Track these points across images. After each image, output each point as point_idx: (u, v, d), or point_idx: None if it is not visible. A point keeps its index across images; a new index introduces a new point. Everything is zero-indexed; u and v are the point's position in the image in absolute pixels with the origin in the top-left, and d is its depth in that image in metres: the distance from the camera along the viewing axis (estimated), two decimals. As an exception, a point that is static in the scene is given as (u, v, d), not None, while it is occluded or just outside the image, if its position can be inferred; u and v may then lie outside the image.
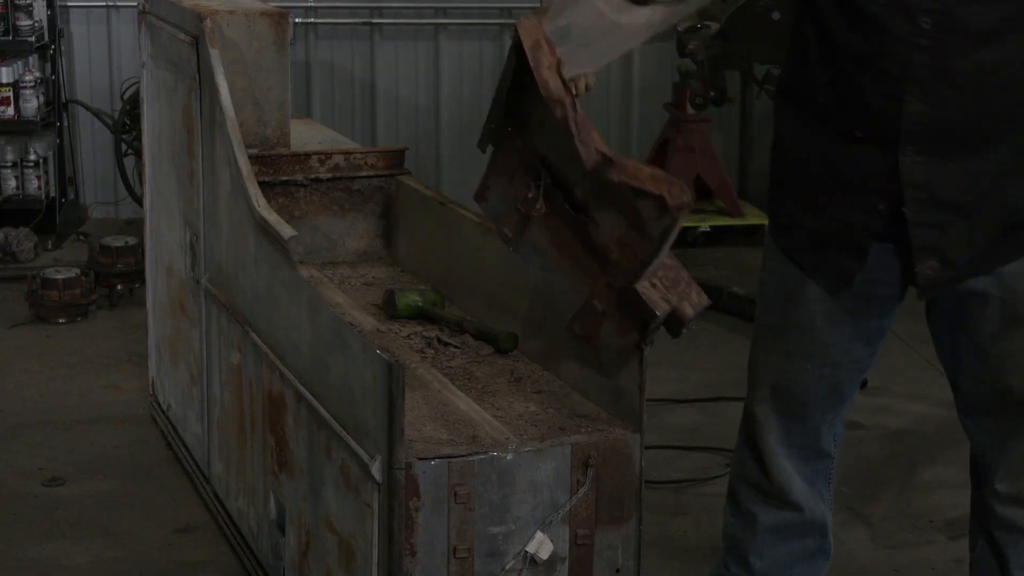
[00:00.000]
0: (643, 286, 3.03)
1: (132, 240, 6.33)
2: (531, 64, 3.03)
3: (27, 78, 7.07)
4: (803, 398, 3.27)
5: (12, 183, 7.15)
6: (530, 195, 3.19)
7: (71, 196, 7.59)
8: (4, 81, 7.01)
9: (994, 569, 3.31)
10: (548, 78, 3.02)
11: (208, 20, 4.10)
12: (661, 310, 3.04)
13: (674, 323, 3.09)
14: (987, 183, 3.00)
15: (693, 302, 3.09)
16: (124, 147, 7.18)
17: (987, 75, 2.93)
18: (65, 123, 7.43)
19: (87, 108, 7.51)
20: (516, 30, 3.12)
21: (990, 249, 3.05)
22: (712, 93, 6.44)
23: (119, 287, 6.28)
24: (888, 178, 3.00)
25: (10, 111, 7.03)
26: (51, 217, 7.22)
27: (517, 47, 3.09)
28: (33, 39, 7.05)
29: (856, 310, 3.18)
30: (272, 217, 3.57)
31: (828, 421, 3.32)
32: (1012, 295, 3.09)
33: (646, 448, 3.20)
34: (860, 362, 3.27)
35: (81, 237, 7.29)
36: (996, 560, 3.30)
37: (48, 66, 7.35)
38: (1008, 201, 3.02)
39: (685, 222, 7.43)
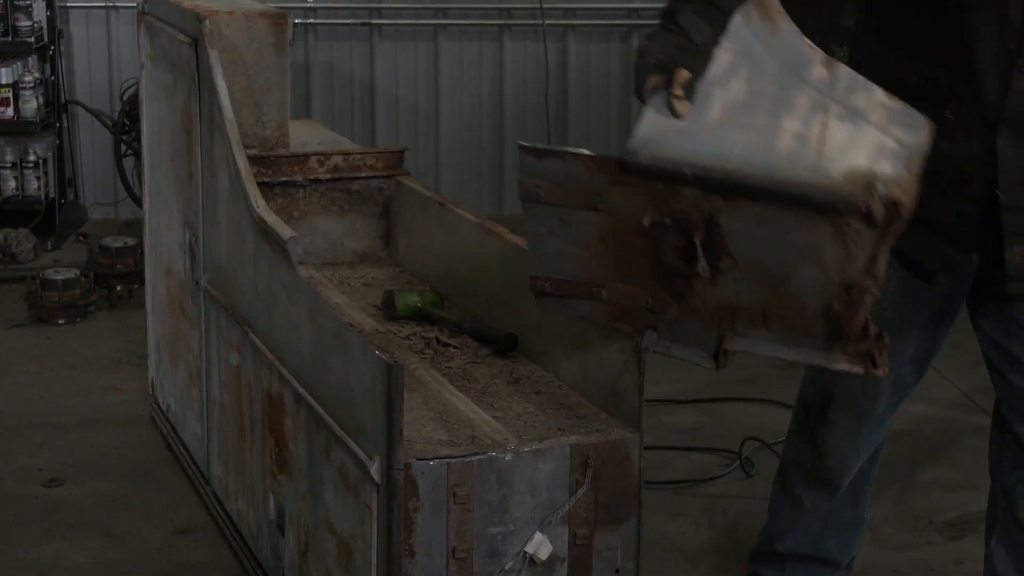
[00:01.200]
0: None
1: (131, 241, 6.33)
2: None
3: (26, 79, 7.06)
4: (874, 392, 3.34)
5: (11, 184, 7.15)
6: (641, 218, 2.91)
7: (70, 197, 7.58)
8: (3, 82, 7.00)
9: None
10: None
11: (207, 21, 4.10)
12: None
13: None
14: None
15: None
16: (124, 148, 7.18)
17: None
18: (65, 124, 7.43)
19: (87, 109, 7.51)
20: None
21: None
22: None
23: (118, 288, 6.28)
24: (982, 162, 2.98)
25: (9, 112, 7.02)
26: (50, 218, 7.22)
27: None
28: (32, 40, 7.05)
29: (925, 296, 3.21)
30: (271, 218, 3.57)
31: (891, 411, 3.42)
32: None
33: (645, 449, 3.19)
34: (924, 348, 3.32)
35: (80, 238, 7.29)
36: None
37: (47, 67, 7.35)
38: None
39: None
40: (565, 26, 8.00)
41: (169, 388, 4.77)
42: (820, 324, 2.80)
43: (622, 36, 8.02)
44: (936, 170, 2.97)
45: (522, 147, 2.97)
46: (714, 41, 2.80)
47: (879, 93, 2.73)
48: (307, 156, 4.34)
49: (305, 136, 4.68)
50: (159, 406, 4.91)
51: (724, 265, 2.84)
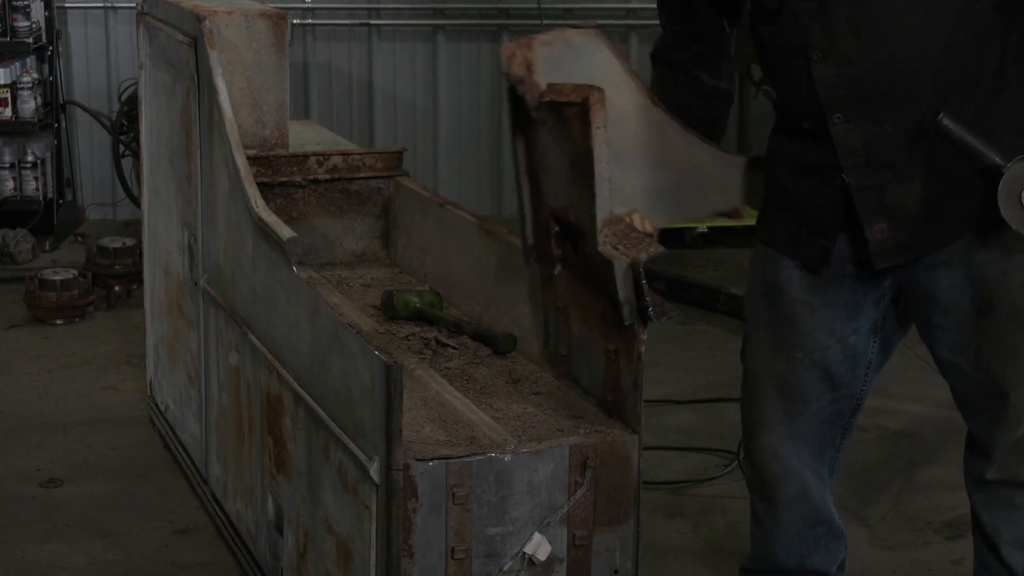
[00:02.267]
0: (602, 245, 3.10)
1: (130, 241, 6.33)
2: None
3: (25, 79, 7.06)
4: (798, 389, 3.30)
5: (10, 184, 7.15)
6: None
7: (69, 197, 7.59)
8: (2, 82, 7.01)
9: (991, 552, 3.35)
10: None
11: (207, 21, 4.10)
12: (619, 261, 3.08)
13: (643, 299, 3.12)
14: (914, 140, 3.03)
15: (649, 251, 3.12)
16: (122, 148, 7.19)
17: (880, 22, 2.99)
18: (63, 124, 7.43)
19: (85, 109, 7.52)
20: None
21: (934, 214, 3.08)
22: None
23: (117, 288, 6.28)
24: (833, 152, 3.08)
25: (8, 112, 7.02)
26: (49, 218, 7.22)
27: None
28: (31, 40, 7.05)
29: (833, 291, 3.23)
30: (270, 218, 3.57)
31: (829, 411, 3.34)
32: (982, 283, 3.12)
33: (644, 449, 3.20)
34: (848, 344, 3.27)
35: (79, 238, 7.29)
36: (991, 541, 3.34)
37: (46, 67, 7.35)
38: (936, 160, 3.05)
39: (683, 223, 7.42)
40: (563, 26, 7.99)
41: (168, 388, 4.77)
42: None
43: (620, 36, 8.02)
44: (808, 169, 3.15)
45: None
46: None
47: None
48: (306, 156, 4.34)
49: (304, 136, 4.68)
50: (157, 406, 4.91)
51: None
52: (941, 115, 2.98)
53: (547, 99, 3.13)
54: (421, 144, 7.95)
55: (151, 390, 5.01)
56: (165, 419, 4.81)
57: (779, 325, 3.28)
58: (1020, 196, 2.93)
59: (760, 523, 3.47)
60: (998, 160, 2.96)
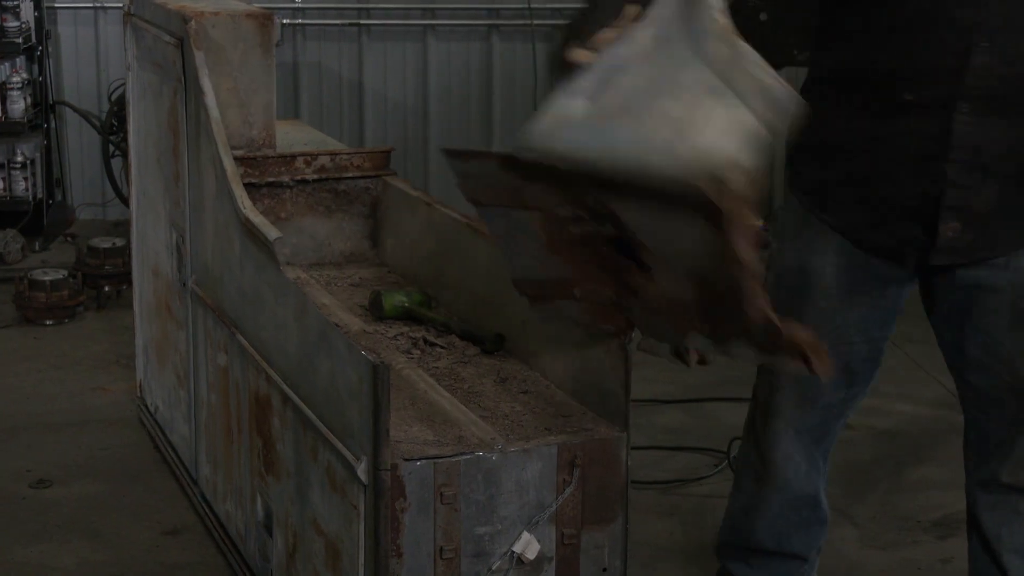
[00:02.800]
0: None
1: (120, 242, 6.32)
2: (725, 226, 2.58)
3: (14, 79, 7.05)
4: (818, 381, 3.28)
5: (-1, 184, 7.15)
6: (562, 214, 2.85)
7: (59, 198, 7.58)
8: (-9, 83, 7.01)
9: (989, 556, 3.35)
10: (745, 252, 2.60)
11: (193, 22, 4.09)
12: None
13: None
14: (1016, 147, 3.01)
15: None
16: (112, 148, 7.18)
17: None
18: (53, 125, 7.42)
19: (75, 110, 7.51)
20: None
21: (1006, 220, 3.06)
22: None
23: (107, 289, 6.28)
24: (942, 142, 3.00)
25: (-3, 112, 7.03)
26: (38, 219, 7.21)
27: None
28: (20, 40, 7.04)
29: (872, 289, 3.21)
30: (258, 219, 3.57)
31: (839, 403, 3.37)
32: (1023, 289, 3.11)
33: (633, 448, 3.19)
34: (873, 342, 3.29)
35: (68, 239, 7.29)
36: (991, 547, 3.34)
37: (35, 67, 7.34)
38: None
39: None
40: (553, 26, 8.00)
41: (157, 389, 4.76)
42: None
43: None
44: (901, 153, 3.05)
45: (446, 151, 2.90)
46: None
47: (765, 73, 2.66)
48: (294, 157, 4.34)
49: (292, 137, 4.68)
50: (147, 407, 4.91)
51: (647, 258, 2.78)
52: None
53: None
54: (411, 144, 7.95)
55: (141, 391, 5.00)
56: (155, 420, 4.81)
57: (809, 314, 3.22)
58: None
59: (744, 500, 3.50)
60: None
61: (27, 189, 7.16)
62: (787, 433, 3.38)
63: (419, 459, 3.00)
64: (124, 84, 4.98)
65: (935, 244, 3.07)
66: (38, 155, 7.29)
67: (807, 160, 3.23)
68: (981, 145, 2.99)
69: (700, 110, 2.60)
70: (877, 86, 3.05)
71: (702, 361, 2.99)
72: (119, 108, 6.87)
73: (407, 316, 3.93)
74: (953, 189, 3.02)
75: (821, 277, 3.23)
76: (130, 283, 5.26)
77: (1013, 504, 3.30)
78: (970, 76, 2.94)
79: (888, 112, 3.05)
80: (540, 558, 3.10)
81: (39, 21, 7.29)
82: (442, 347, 3.74)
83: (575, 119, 2.69)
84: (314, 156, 4.37)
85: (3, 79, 7.07)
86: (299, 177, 4.34)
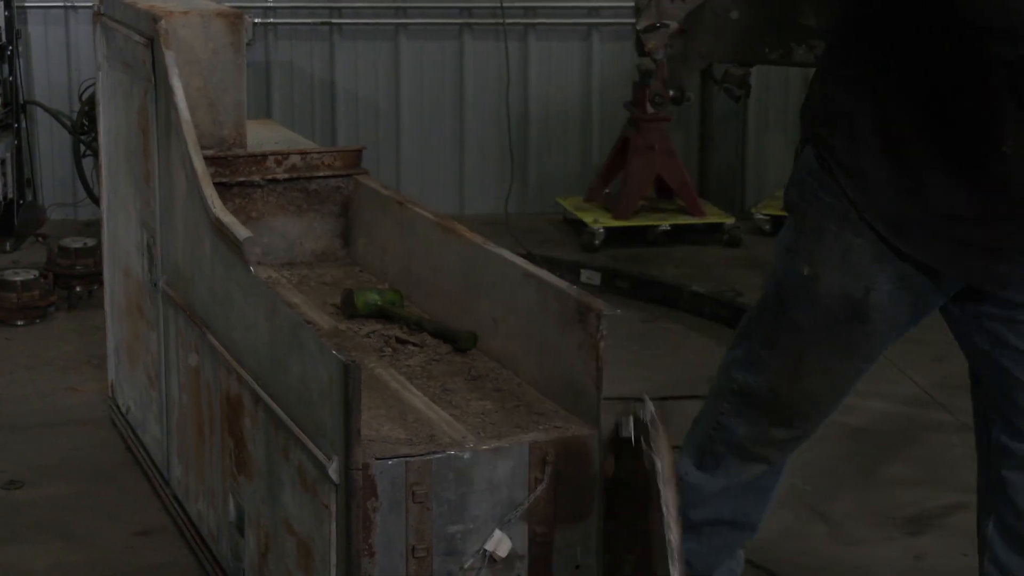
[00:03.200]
0: None
1: (91, 242, 6.30)
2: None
3: (-16, 79, 7.03)
4: (845, 388, 3.40)
5: (-30, 185, 7.11)
6: None
7: (29, 198, 7.54)
8: (-39, 83, 6.97)
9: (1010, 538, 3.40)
10: None
11: (163, 21, 4.08)
12: None
13: None
14: None
15: None
16: (83, 148, 7.15)
17: None
18: (23, 124, 7.39)
19: (45, 109, 7.48)
20: None
21: None
22: (671, 92, 6.45)
23: (78, 289, 6.25)
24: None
25: (-33, 113, 6.99)
26: (9, 219, 7.17)
27: None
28: (-10, 40, 7.01)
29: (916, 307, 3.25)
30: (228, 218, 3.56)
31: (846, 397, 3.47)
32: None
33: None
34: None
35: (39, 239, 7.25)
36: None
37: (6, 67, 7.30)
38: None
39: (645, 221, 7.43)
40: (526, 25, 8.00)
41: (128, 390, 4.75)
42: None
43: (582, 35, 8.02)
44: (998, 197, 3.07)
45: None
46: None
47: None
48: (264, 156, 4.33)
49: (263, 136, 4.67)
50: (119, 408, 4.90)
51: None
52: None
53: None
54: (383, 143, 7.94)
55: (112, 391, 4.99)
56: (126, 420, 4.79)
57: (855, 335, 3.27)
58: None
59: (724, 482, 3.51)
60: None
61: (-2, 189, 7.12)
62: (796, 443, 3.45)
63: (391, 458, 3.00)
64: (95, 84, 4.96)
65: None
66: (9, 155, 7.25)
67: (881, 188, 3.18)
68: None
69: None
70: (972, 136, 3.04)
71: None
72: (90, 108, 6.85)
73: (379, 315, 3.93)
74: None
75: (876, 303, 3.23)
76: (101, 283, 5.24)
77: None
78: None
79: (989, 162, 3.05)
80: (512, 556, 3.10)
81: (9, 20, 7.25)
82: (414, 345, 3.74)
83: None
84: (285, 155, 4.36)
85: (-27, 79, 7.04)
86: (270, 176, 4.34)
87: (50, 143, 7.70)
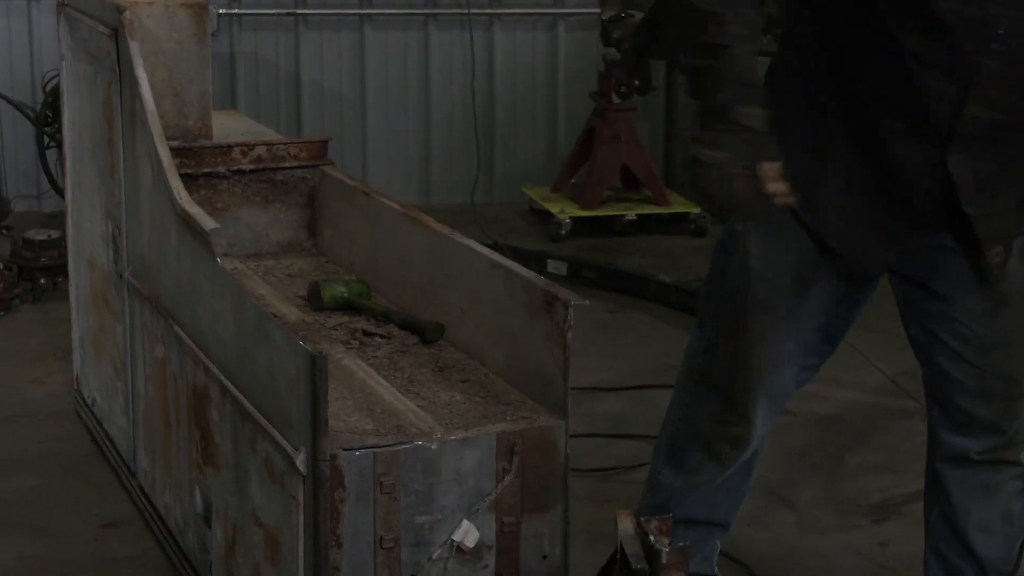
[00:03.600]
0: None
1: (55, 234, 6.26)
2: None
3: (-53, 71, 6.99)
4: (779, 354, 3.35)
5: (-67, 177, 7.08)
6: None
7: (-7, 190, 7.51)
8: (-77, 75, 6.93)
9: (952, 531, 3.40)
10: None
11: (127, 12, 4.07)
12: None
13: None
14: (1010, 166, 3.06)
15: None
16: (46, 140, 7.11)
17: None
18: (-14, 116, 7.36)
19: (8, 101, 7.42)
20: None
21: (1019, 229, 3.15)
22: (637, 82, 6.46)
23: (42, 281, 6.22)
24: (936, 177, 3.02)
25: (-70, 105, 6.95)
26: (-28, 212, 7.15)
27: None
28: (-48, 32, 6.97)
29: (844, 279, 3.26)
30: (194, 209, 3.55)
31: (794, 378, 3.42)
32: (1007, 278, 3.17)
33: (572, 436, 3.20)
34: (835, 318, 3.35)
35: (3, 231, 7.21)
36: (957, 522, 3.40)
37: (-32, 59, 7.28)
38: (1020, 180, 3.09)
39: (611, 211, 7.44)
40: (491, 15, 8.00)
41: (94, 382, 4.73)
42: None
43: (547, 25, 8.03)
44: (890, 177, 3.07)
45: None
46: (767, 115, 2.84)
47: None
48: (230, 147, 4.32)
49: (229, 127, 4.66)
50: (84, 400, 4.88)
51: None
52: None
53: None
54: (349, 134, 7.93)
55: (78, 383, 4.97)
56: (92, 412, 4.78)
57: (776, 292, 3.28)
58: None
59: (687, 478, 3.50)
60: None
61: (-39, 182, 7.09)
62: (759, 419, 3.41)
63: (358, 449, 3.00)
64: (58, 74, 4.94)
65: (992, 272, 3.12)
66: (-28, 147, 7.23)
67: (804, 171, 3.16)
68: (980, 176, 3.03)
69: None
70: (864, 105, 3.03)
71: None
72: (54, 99, 6.81)
73: (346, 306, 3.92)
74: (980, 221, 3.05)
75: (793, 260, 3.25)
76: (66, 275, 5.22)
77: (983, 479, 3.35)
78: (962, 126, 2.96)
79: (888, 132, 3.03)
80: (480, 546, 3.10)
81: (-29, 12, 7.23)
82: (381, 337, 3.74)
83: None
84: (251, 146, 4.36)
85: (-65, 70, 7.00)
86: (236, 167, 4.33)
87: (13, 135, 7.66)
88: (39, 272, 6.23)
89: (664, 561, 2.57)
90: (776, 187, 2.85)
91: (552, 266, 6.67)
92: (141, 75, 3.97)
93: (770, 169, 2.83)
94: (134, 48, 4.02)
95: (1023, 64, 2.94)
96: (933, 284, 3.23)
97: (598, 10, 6.51)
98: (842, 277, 3.26)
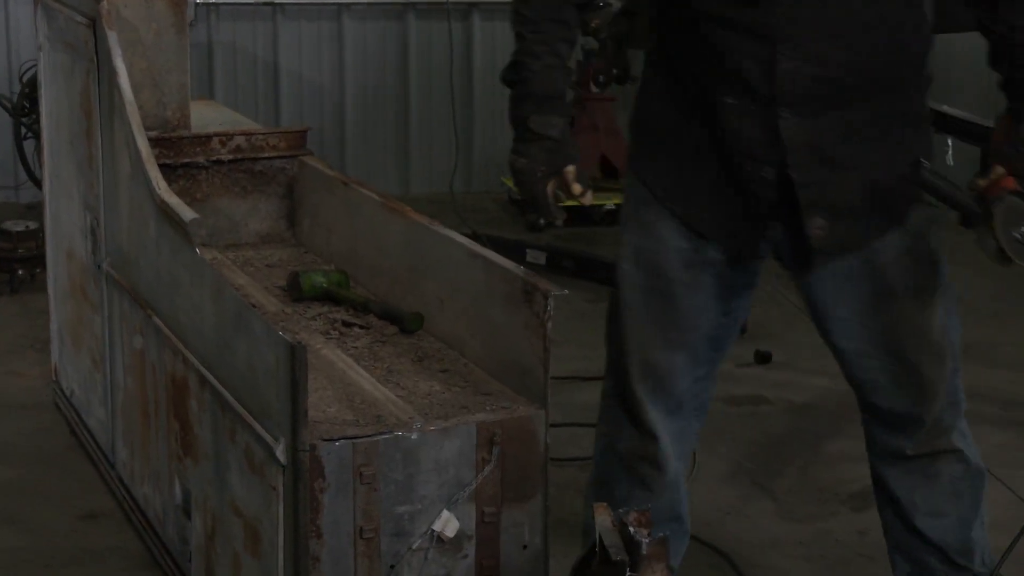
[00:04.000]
0: None
1: (33, 225, 6.25)
2: None
3: (-77, 62, 6.96)
4: (669, 366, 3.30)
5: (-91, 168, 7.05)
6: None
7: (-30, 181, 7.49)
8: (-101, 65, 6.91)
9: (904, 524, 3.41)
10: None
11: (105, 2, 4.05)
12: None
13: None
14: (857, 139, 3.07)
15: None
16: (24, 130, 7.09)
17: (858, 27, 2.99)
18: (-37, 107, 7.33)
19: (-15, 92, 7.42)
20: None
21: (865, 213, 3.12)
22: (615, 71, 6.46)
23: (20, 272, 6.21)
24: (771, 144, 3.05)
25: (-94, 95, 6.92)
26: (-50, 203, 7.12)
27: None
28: (-72, 22, 6.95)
29: (714, 269, 3.24)
30: (173, 200, 3.55)
31: (690, 389, 3.34)
32: (880, 267, 3.18)
33: (552, 426, 3.20)
34: (718, 323, 3.31)
35: (-19, 223, 7.20)
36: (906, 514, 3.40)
37: (-56, 49, 7.26)
38: (872, 160, 3.09)
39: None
40: (469, 4, 7.99)
41: (73, 373, 4.73)
42: None
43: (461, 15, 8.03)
44: (731, 156, 3.09)
45: None
46: (565, 123, 3.10)
47: None
48: (209, 137, 4.31)
49: (207, 117, 4.65)
50: (63, 391, 4.87)
51: None
52: (922, 164, 3.06)
53: None
54: (328, 124, 7.92)
55: (56, 375, 4.96)
56: (71, 404, 4.77)
57: (654, 301, 3.27)
58: (1011, 231, 3.04)
59: (640, 487, 3.40)
60: (976, 209, 3.07)
61: (-62, 172, 7.06)
62: (659, 421, 3.35)
63: (338, 439, 2.99)
64: (35, 65, 4.93)
65: (811, 244, 3.12)
66: (-51, 138, 7.21)
67: (650, 151, 3.28)
68: (814, 141, 3.04)
69: None
70: (701, 84, 3.09)
71: None
72: (31, 90, 6.79)
73: (325, 296, 3.92)
74: (804, 189, 3.07)
75: (661, 267, 3.26)
76: (44, 266, 5.21)
77: (923, 469, 3.35)
78: (780, 82, 2.98)
79: (718, 108, 3.07)
80: (460, 536, 3.11)
81: (-53, 2, 7.20)
82: (361, 327, 3.74)
83: None
84: (229, 136, 4.35)
85: (-88, 61, 6.97)
86: (214, 158, 4.32)
87: (-9, 125, 7.64)
88: (17, 263, 6.21)
89: (644, 552, 2.57)
90: (575, 188, 3.12)
91: (531, 256, 6.67)
92: (119, 65, 3.96)
93: (568, 172, 3.11)
94: (112, 38, 4.01)
95: (827, 11, 2.96)
96: (819, 288, 3.23)
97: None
98: (721, 276, 3.24)
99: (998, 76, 3.11)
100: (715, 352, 3.34)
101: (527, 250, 6.72)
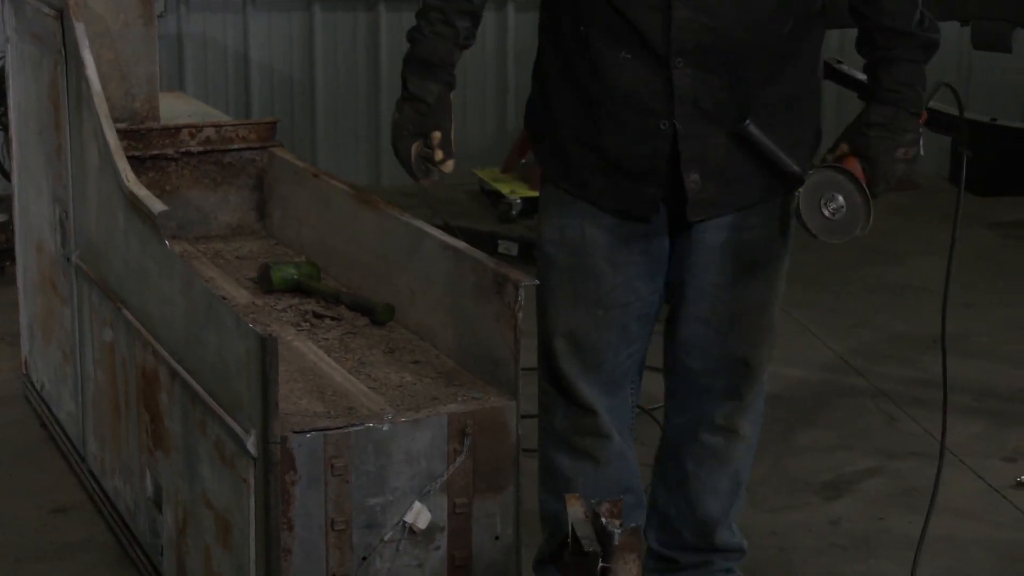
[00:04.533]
0: None
1: (2, 217, 6.22)
2: None
3: None
4: (597, 344, 3.35)
5: None
6: None
7: (-62, 174, 7.44)
8: None
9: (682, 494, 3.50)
10: None
11: (73, -8, 4.04)
12: None
13: None
14: (739, 100, 3.13)
15: None
16: (-8, 123, 7.05)
17: None
18: (-69, 100, 7.28)
19: (-47, 84, 7.37)
20: None
21: (741, 174, 3.19)
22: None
23: (-10, 266, 6.18)
24: (668, 96, 3.11)
25: None
26: (-82, 196, 7.07)
27: None
28: None
29: (637, 247, 3.28)
30: (141, 192, 3.53)
31: (622, 365, 3.39)
32: (747, 247, 3.26)
33: (523, 417, 3.21)
34: (646, 300, 3.35)
35: (-50, 215, 7.16)
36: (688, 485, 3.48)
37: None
38: (754, 127, 3.14)
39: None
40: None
41: (42, 366, 4.71)
42: None
43: (498, 4, 8.01)
44: (627, 114, 3.15)
45: None
46: (443, 89, 3.24)
47: None
48: (178, 129, 4.30)
49: (176, 109, 4.64)
50: (33, 385, 4.85)
51: None
52: (747, 121, 3.12)
53: None
54: (298, 116, 7.89)
55: (26, 368, 4.94)
56: (41, 397, 4.75)
57: (580, 280, 3.32)
58: (820, 204, 3.10)
59: (568, 487, 3.41)
60: (796, 169, 3.15)
61: (-94, 165, 7.02)
62: (593, 398, 3.40)
63: (309, 431, 2.99)
64: (3, 57, 4.90)
65: (687, 199, 3.19)
66: (-84, 131, 7.16)
67: (546, 124, 3.34)
68: (700, 96, 3.10)
69: None
70: (598, 39, 3.15)
71: None
72: (-1, 82, 6.76)
73: (296, 288, 3.91)
74: (686, 141, 3.13)
75: (582, 241, 3.30)
76: (13, 259, 5.18)
77: (716, 449, 3.45)
78: (675, 31, 3.06)
79: (615, 65, 3.14)
80: (432, 527, 3.10)
81: (-85, -6, 7.15)
82: (332, 318, 3.73)
83: None
84: (199, 128, 4.33)
85: None
86: (184, 149, 4.31)
87: (-41, 118, 7.59)
88: (-15, 256, 6.18)
89: (616, 543, 2.57)
90: (438, 154, 3.24)
91: (503, 247, 6.66)
92: (87, 57, 3.94)
93: (435, 136, 3.22)
94: (79, 29, 3.99)
95: None
96: (689, 253, 3.28)
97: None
98: (647, 253, 3.28)
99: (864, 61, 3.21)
100: (644, 328, 3.39)
101: (499, 241, 6.71)
